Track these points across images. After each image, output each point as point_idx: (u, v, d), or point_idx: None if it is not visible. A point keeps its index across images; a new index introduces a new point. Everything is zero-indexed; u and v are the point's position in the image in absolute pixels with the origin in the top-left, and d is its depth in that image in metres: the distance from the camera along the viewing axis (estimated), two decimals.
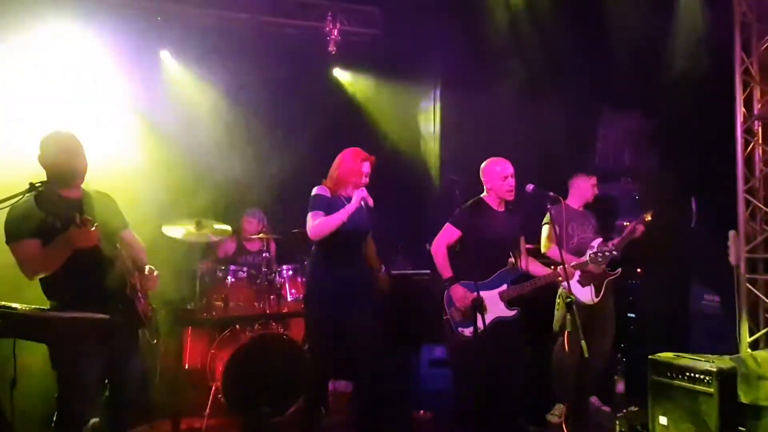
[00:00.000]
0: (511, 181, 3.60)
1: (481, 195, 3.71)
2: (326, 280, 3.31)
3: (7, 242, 2.50)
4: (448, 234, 3.61)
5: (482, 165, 3.73)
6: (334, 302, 3.27)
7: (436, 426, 4.02)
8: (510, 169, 3.61)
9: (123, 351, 2.74)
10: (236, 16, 5.38)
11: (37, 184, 2.46)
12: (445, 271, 3.55)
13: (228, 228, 4.40)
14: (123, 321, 2.64)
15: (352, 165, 3.37)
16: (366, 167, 3.38)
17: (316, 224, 3.24)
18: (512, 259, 3.71)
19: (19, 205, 2.49)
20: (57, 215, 2.45)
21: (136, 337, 2.86)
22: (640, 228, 4.10)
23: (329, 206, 3.29)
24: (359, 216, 3.30)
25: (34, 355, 3.20)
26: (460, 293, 3.47)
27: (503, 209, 3.66)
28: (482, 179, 3.72)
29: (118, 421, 2.82)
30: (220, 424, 4.01)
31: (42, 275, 2.54)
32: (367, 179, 3.39)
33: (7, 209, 2.46)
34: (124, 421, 2.87)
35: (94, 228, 2.45)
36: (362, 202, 3.25)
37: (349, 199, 3.30)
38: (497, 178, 3.60)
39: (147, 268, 2.91)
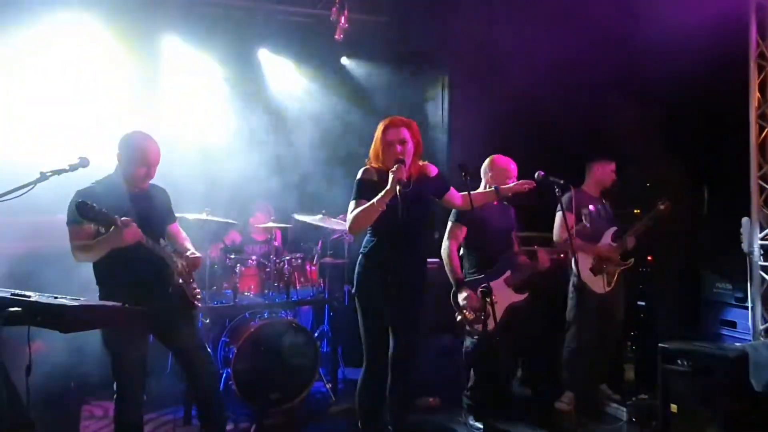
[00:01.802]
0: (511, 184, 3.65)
1: (475, 191, 3.72)
2: (374, 273, 2.95)
3: (68, 223, 2.71)
4: (456, 232, 3.65)
5: (489, 160, 3.77)
6: (381, 296, 2.91)
7: (445, 413, 4.03)
8: (515, 172, 3.69)
9: (174, 336, 2.95)
10: (242, 3, 5.36)
11: (48, 173, 2.49)
12: (455, 272, 3.58)
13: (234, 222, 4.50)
14: (154, 309, 2.73)
15: (381, 137, 2.94)
16: (395, 134, 2.90)
17: (352, 216, 2.85)
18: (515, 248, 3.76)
19: (86, 192, 2.72)
20: (111, 208, 2.63)
21: (190, 321, 3.08)
22: (666, 208, 4.06)
23: (374, 192, 2.80)
24: (410, 199, 2.82)
25: (47, 342, 3.25)
26: (468, 296, 3.50)
27: (497, 202, 3.70)
28: (486, 172, 3.74)
29: (209, 407, 3.06)
30: (231, 411, 4.05)
31: (86, 262, 2.78)
32: (404, 147, 2.89)
33: (74, 192, 2.71)
34: (215, 406, 3.09)
35: (133, 228, 2.65)
36: (398, 187, 2.72)
37: (400, 181, 2.78)
38: (504, 176, 3.67)
39: (189, 252, 3.08)
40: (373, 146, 3.01)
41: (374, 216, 2.79)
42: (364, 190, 2.89)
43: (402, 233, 2.90)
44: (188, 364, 3.02)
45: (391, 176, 2.75)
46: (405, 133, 2.92)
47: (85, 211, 2.52)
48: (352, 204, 2.90)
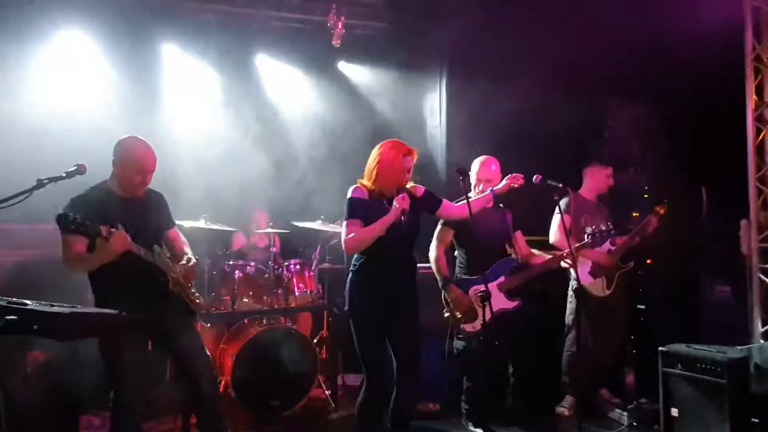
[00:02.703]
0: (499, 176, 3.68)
1: (468, 195, 3.72)
2: (368, 288, 2.98)
3: (62, 233, 2.64)
4: (443, 235, 3.67)
5: (478, 162, 3.76)
6: (378, 310, 2.95)
7: (444, 418, 4.01)
8: (498, 170, 3.69)
9: (172, 342, 2.93)
10: (239, 11, 5.37)
11: (44, 180, 2.49)
12: (443, 271, 3.60)
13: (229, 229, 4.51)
14: (145, 316, 2.74)
15: (394, 161, 2.92)
16: (409, 162, 2.95)
17: (351, 238, 2.89)
18: (511, 252, 3.74)
19: (79, 199, 2.70)
20: (103, 215, 2.60)
21: (190, 326, 3.04)
22: (654, 221, 4.05)
23: (367, 211, 2.91)
24: (403, 222, 2.90)
25: (46, 351, 3.24)
26: (455, 294, 3.52)
27: (491, 205, 3.68)
28: (474, 177, 3.73)
29: (208, 415, 3.02)
30: (230, 418, 4.03)
31: (78, 272, 2.76)
32: (410, 175, 2.99)
33: (69, 199, 2.69)
34: (215, 414, 3.05)
35: (119, 237, 2.58)
36: (403, 215, 2.85)
37: (390, 201, 2.91)
38: (496, 176, 3.67)
39: (185, 258, 3.04)
40: (377, 167, 2.96)
41: (373, 239, 2.87)
42: (356, 209, 2.94)
43: (391, 249, 2.95)
44: (187, 370, 2.99)
45: (396, 205, 2.85)
46: (412, 162, 2.99)
47: (66, 224, 2.46)
48: (346, 224, 2.94)
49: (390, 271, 2.96)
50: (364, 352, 2.98)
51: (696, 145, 4.63)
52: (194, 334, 3.09)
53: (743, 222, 4.23)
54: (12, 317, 2.05)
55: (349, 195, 2.99)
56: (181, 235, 3.20)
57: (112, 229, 2.58)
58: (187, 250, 3.14)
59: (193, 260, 3.06)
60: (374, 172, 2.97)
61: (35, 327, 2.06)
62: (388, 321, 2.96)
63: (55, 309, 2.14)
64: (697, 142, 4.61)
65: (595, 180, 4.24)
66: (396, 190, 2.91)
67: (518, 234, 3.83)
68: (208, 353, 3.10)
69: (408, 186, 3.06)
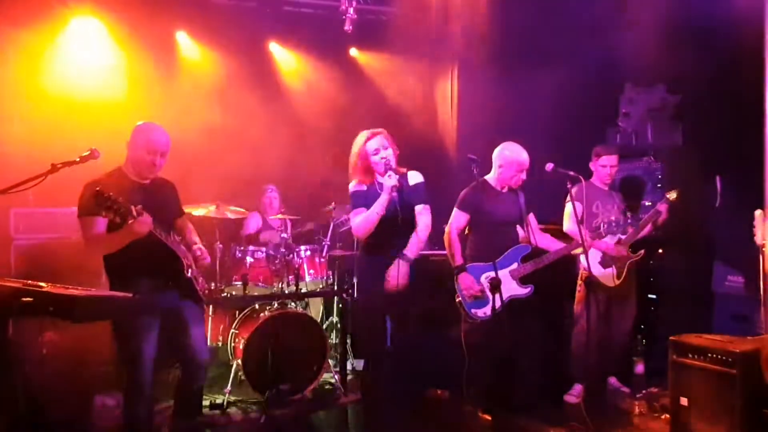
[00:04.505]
0: (524, 176, 3.65)
1: (485, 176, 3.70)
2: (368, 265, 3.30)
3: (80, 216, 2.69)
4: (458, 219, 3.66)
5: (501, 148, 3.71)
6: (377, 286, 3.18)
7: (453, 405, 4.04)
8: (527, 164, 3.64)
9: (180, 328, 2.94)
10: None
11: (58, 165, 2.51)
12: (455, 258, 3.60)
13: (243, 210, 4.51)
14: (164, 300, 2.79)
15: (359, 150, 3.22)
16: (373, 144, 3.17)
17: (357, 223, 3.21)
18: (524, 236, 3.72)
19: (94, 184, 2.66)
20: (123, 200, 2.59)
21: (198, 315, 3.07)
22: (664, 210, 4.01)
23: (367, 199, 3.19)
24: (399, 199, 3.12)
25: (61, 334, 3.29)
26: (467, 282, 3.53)
27: (506, 189, 3.68)
28: (496, 161, 3.70)
29: (190, 399, 3.08)
30: (241, 401, 4.09)
31: (100, 254, 2.77)
32: (387, 151, 3.16)
33: (84, 184, 2.68)
34: (195, 399, 3.14)
35: (146, 218, 2.60)
36: (393, 191, 3.06)
37: (382, 186, 3.14)
38: (514, 169, 3.62)
39: (195, 247, 3.07)
40: (353, 161, 3.24)
41: (376, 221, 3.11)
42: (358, 199, 3.24)
43: (384, 235, 3.16)
44: (185, 359, 3.01)
45: (386, 185, 3.05)
46: (386, 140, 3.20)
47: (102, 201, 2.47)
48: (352, 214, 3.25)
49: (383, 256, 3.17)
50: (361, 328, 3.24)
51: (711, 133, 4.57)
52: (200, 325, 3.12)
53: (757, 212, 4.17)
54: (28, 299, 2.09)
55: (350, 190, 3.28)
56: (189, 223, 3.22)
57: (138, 207, 2.59)
58: (196, 238, 3.16)
59: (203, 251, 3.08)
60: (354, 168, 3.25)
61: (51, 309, 2.09)
62: (384, 305, 3.16)
63: (71, 291, 2.17)
64: (712, 130, 4.54)
65: (594, 168, 4.22)
66: (385, 170, 3.09)
67: (531, 217, 3.79)
68: (207, 350, 3.15)
69: (403, 170, 3.24)
